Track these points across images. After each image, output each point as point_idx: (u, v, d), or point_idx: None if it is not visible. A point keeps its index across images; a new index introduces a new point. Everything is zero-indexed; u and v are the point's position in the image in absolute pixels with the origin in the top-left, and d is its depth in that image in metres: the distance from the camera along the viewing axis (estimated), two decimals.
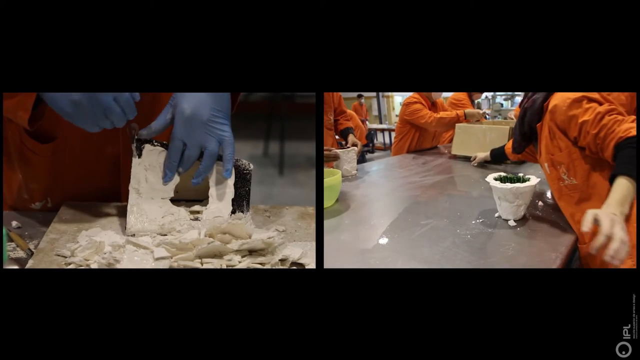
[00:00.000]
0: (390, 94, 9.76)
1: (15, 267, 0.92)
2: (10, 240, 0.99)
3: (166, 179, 1.02)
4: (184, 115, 0.98)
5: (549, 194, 1.64)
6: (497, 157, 2.23)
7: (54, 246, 0.95)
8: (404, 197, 1.81)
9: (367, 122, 7.79)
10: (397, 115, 6.90)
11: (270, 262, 0.92)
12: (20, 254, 0.96)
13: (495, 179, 1.41)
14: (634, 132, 1.15)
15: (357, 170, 2.24)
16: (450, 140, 2.95)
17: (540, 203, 1.56)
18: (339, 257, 1.19)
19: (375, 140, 8.26)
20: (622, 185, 1.08)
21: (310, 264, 0.95)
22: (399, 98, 9.63)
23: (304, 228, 1.08)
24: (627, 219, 1.21)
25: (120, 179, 1.13)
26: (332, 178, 1.59)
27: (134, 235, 0.98)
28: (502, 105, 3.50)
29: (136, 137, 1.01)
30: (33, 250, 0.95)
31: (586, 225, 1.01)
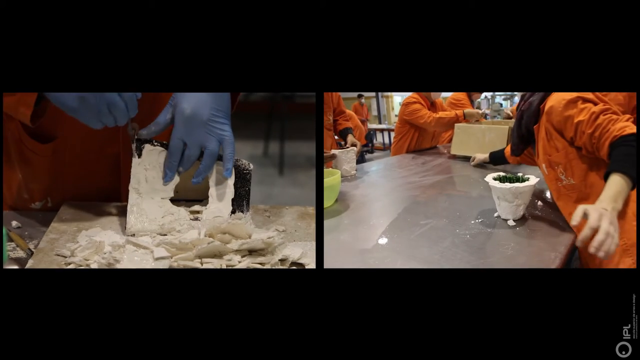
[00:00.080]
0: (389, 94, 9.75)
1: (15, 267, 0.92)
2: (10, 240, 0.99)
3: (166, 178, 1.02)
4: (184, 115, 0.98)
5: (548, 194, 1.64)
6: (496, 160, 2.24)
7: (54, 246, 0.95)
8: (403, 197, 1.81)
9: (367, 123, 7.78)
10: (396, 115, 6.91)
11: (270, 262, 0.92)
12: (20, 253, 0.96)
13: (495, 179, 1.41)
14: (628, 131, 1.16)
15: (356, 170, 2.24)
16: (450, 140, 2.95)
17: (539, 203, 1.57)
18: (339, 257, 1.19)
19: (374, 140, 8.26)
20: (616, 182, 1.10)
21: (310, 263, 0.95)
22: (398, 98, 9.63)
23: (303, 228, 1.08)
24: (623, 216, 1.22)
25: (121, 179, 1.13)
26: (331, 178, 1.59)
27: (134, 235, 0.98)
28: (501, 105, 3.49)
29: (136, 137, 1.01)
30: (33, 250, 0.95)
31: (575, 219, 1.02)
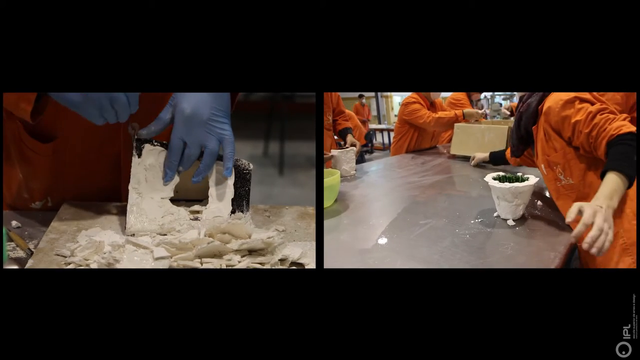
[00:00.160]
0: (389, 94, 9.75)
1: (15, 267, 0.92)
2: (10, 240, 0.99)
3: (167, 178, 1.02)
4: (184, 115, 0.98)
5: (547, 194, 1.65)
6: (497, 160, 2.24)
7: (54, 246, 0.95)
8: (402, 197, 1.81)
9: (368, 123, 7.76)
10: (395, 115, 6.90)
11: (270, 261, 0.92)
12: (20, 253, 0.96)
13: (494, 179, 1.41)
14: (625, 130, 1.17)
15: (356, 170, 2.24)
16: (449, 140, 2.95)
17: (539, 202, 1.57)
18: (338, 257, 1.19)
19: (374, 140, 8.25)
20: (612, 180, 1.11)
21: (310, 263, 0.95)
22: (397, 98, 9.63)
23: (303, 228, 1.08)
24: (622, 215, 1.22)
25: (121, 179, 1.13)
26: (330, 178, 1.59)
27: (134, 235, 0.98)
28: (501, 105, 3.50)
29: (136, 136, 1.01)
30: (33, 250, 0.95)
31: (570, 216, 1.03)
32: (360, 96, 7.80)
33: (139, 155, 1.01)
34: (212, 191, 1.05)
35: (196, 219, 1.03)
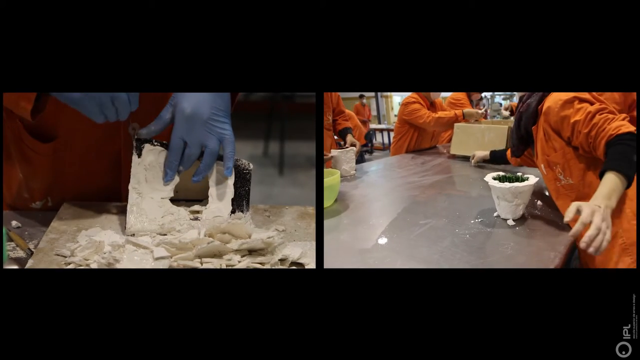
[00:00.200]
0: (388, 93, 9.75)
1: (15, 267, 0.92)
2: (10, 240, 0.99)
3: (167, 178, 1.02)
4: (185, 114, 0.98)
5: (547, 194, 1.65)
6: (497, 160, 2.24)
7: (54, 246, 0.95)
8: (402, 197, 1.81)
9: (369, 123, 7.76)
10: (395, 115, 6.90)
11: (269, 261, 0.92)
12: (20, 253, 0.96)
13: (494, 179, 1.41)
14: (624, 130, 1.17)
15: (355, 170, 2.24)
16: (449, 140, 2.95)
17: (539, 202, 1.57)
18: (338, 257, 1.19)
19: (374, 140, 8.25)
20: (610, 180, 1.11)
21: (310, 263, 0.95)
22: (397, 98, 9.63)
23: (303, 228, 1.08)
24: (622, 215, 1.22)
25: (121, 179, 1.13)
26: (330, 178, 1.59)
27: (134, 235, 0.98)
28: (501, 105, 3.50)
29: (136, 136, 1.01)
30: (33, 250, 0.95)
31: (568, 216, 1.04)
32: (361, 96, 7.79)
33: (139, 155, 1.01)
34: (212, 191, 1.05)
35: (196, 218, 1.03)
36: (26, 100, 0.93)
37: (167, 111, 1.01)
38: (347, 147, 2.29)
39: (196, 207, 1.05)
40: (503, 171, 1.57)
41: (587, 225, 1.00)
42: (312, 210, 1.16)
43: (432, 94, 3.08)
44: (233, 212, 1.05)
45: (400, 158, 2.83)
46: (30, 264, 0.89)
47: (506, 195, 1.36)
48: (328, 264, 1.04)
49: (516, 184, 1.35)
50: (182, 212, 1.03)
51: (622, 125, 1.19)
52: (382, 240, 1.30)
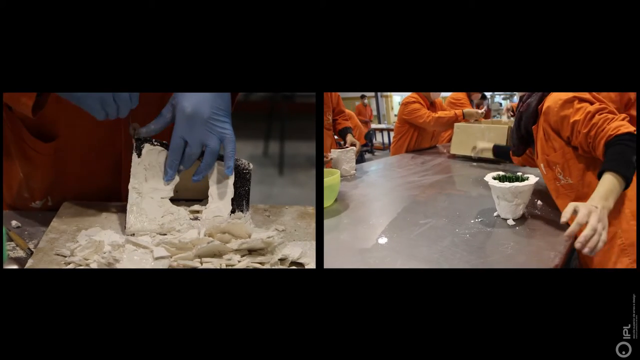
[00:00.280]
0: (388, 93, 9.74)
1: (15, 266, 0.92)
2: (10, 239, 0.99)
3: (167, 177, 1.02)
4: (185, 113, 0.98)
5: (547, 193, 1.64)
6: (499, 154, 2.23)
7: (54, 246, 0.95)
8: (402, 197, 1.81)
9: (370, 123, 7.75)
10: (395, 115, 6.90)
11: (269, 261, 0.92)
12: (20, 253, 0.96)
13: (494, 178, 1.41)
14: (623, 130, 1.17)
15: (355, 170, 2.23)
16: (449, 140, 2.95)
17: (539, 202, 1.57)
18: (338, 257, 1.19)
19: (374, 140, 8.24)
20: (608, 181, 1.11)
21: (310, 263, 0.95)
22: (397, 98, 9.62)
23: (303, 228, 1.08)
24: (621, 215, 1.22)
25: (121, 179, 1.13)
26: (330, 178, 1.59)
27: (134, 234, 0.98)
28: (501, 104, 3.50)
29: (136, 136, 1.01)
30: (33, 249, 0.95)
31: (565, 216, 1.04)
32: (363, 97, 7.78)
33: (139, 155, 1.01)
34: (212, 191, 1.05)
35: (196, 218, 1.03)
36: (27, 96, 0.93)
37: (167, 110, 1.01)
38: (347, 147, 2.29)
39: (196, 207, 1.05)
40: (503, 171, 1.57)
41: (583, 226, 1.00)
42: (312, 210, 1.15)
43: (432, 94, 3.07)
44: (233, 211, 1.05)
45: (400, 158, 2.83)
46: (30, 264, 0.89)
47: (506, 195, 1.36)
48: (328, 263, 1.04)
49: (516, 183, 1.35)
50: (182, 211, 1.03)
51: (622, 125, 1.18)
52: (382, 240, 1.30)
